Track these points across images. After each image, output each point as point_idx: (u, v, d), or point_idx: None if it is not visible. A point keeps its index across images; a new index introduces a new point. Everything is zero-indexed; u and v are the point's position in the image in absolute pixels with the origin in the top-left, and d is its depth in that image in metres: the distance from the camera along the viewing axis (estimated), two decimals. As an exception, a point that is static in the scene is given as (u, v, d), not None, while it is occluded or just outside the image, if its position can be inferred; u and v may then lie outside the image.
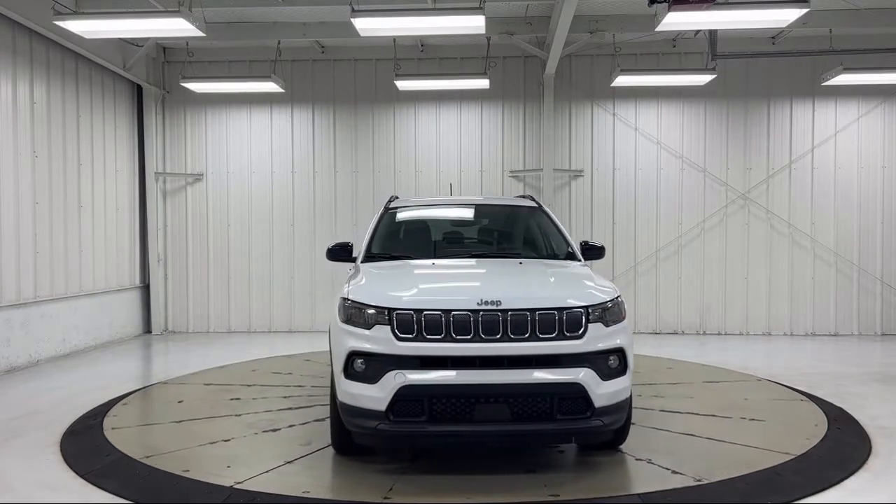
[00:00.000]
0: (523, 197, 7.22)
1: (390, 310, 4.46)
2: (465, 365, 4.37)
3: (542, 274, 5.29)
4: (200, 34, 7.95)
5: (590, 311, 4.53)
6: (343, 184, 11.71)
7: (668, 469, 4.86)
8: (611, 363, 4.55)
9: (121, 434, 5.65)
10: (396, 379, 4.32)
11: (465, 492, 4.46)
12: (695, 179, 11.43)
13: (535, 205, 6.66)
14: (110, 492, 4.51)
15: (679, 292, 11.43)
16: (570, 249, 5.95)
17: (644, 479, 4.69)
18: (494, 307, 4.42)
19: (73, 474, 4.85)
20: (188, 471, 4.74)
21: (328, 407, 6.29)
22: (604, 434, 4.71)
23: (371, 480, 4.65)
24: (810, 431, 5.77)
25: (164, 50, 11.66)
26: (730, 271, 11.40)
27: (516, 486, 4.56)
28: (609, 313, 4.62)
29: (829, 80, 10.30)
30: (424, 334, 4.39)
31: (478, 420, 4.37)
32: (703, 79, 10.47)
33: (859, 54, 10.16)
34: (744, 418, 6.23)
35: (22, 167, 8.83)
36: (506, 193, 11.47)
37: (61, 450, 5.37)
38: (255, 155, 11.78)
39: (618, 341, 4.59)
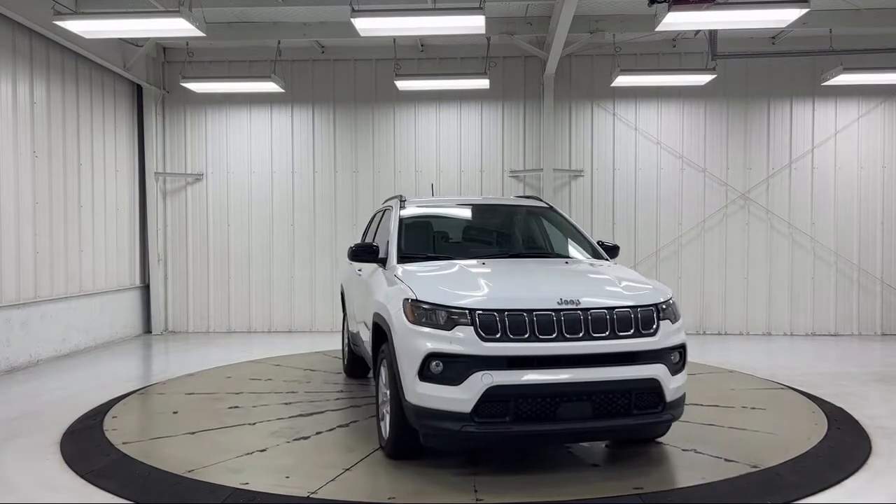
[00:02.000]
0: (528, 197, 7.24)
1: (471, 310, 4.41)
2: (550, 364, 4.38)
3: (600, 273, 5.31)
4: (200, 34, 7.95)
5: (659, 308, 4.69)
6: (343, 184, 11.71)
7: (720, 458, 5.00)
8: (673, 358, 4.67)
9: (134, 448, 5.34)
10: (484, 380, 4.27)
11: (548, 487, 4.46)
12: (695, 179, 11.44)
13: (546, 205, 6.72)
14: (110, 492, 4.51)
15: (679, 292, 11.40)
16: (595, 249, 6.03)
17: (707, 469, 4.79)
18: (574, 306, 4.46)
19: (73, 474, 4.84)
20: (247, 483, 4.50)
21: (341, 412, 6.31)
22: (665, 427, 4.87)
23: (449, 482, 4.56)
24: (813, 418, 6.00)
25: (164, 50, 11.66)
26: (730, 271, 11.40)
27: (595, 480, 4.63)
28: (672, 310, 4.80)
29: (829, 80, 10.30)
30: (509, 334, 4.36)
31: (561, 418, 4.40)
32: (703, 79, 10.47)
33: (859, 54, 10.16)
34: (745, 407, 6.46)
35: (22, 167, 8.83)
36: (506, 193, 11.48)
37: (61, 450, 5.36)
38: (255, 155, 11.78)
39: (682, 337, 4.78)
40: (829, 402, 6.65)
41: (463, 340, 4.36)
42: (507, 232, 6.67)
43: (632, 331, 4.53)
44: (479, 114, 11.61)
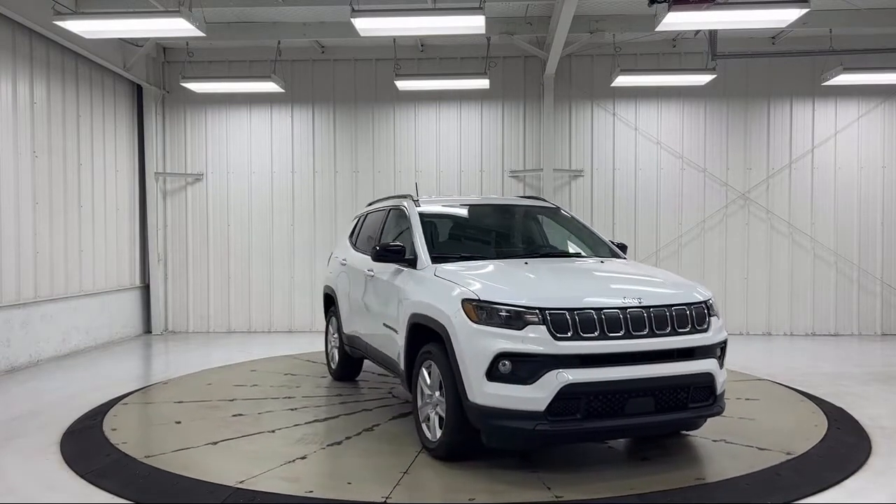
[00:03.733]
0: (531, 197, 7.29)
1: (542, 309, 4.43)
2: (619, 361, 4.47)
3: (646, 272, 5.51)
4: (200, 34, 7.96)
5: (707, 305, 4.88)
6: (343, 184, 11.71)
7: (752, 447, 5.23)
8: (719, 353, 4.87)
9: (163, 461, 5.02)
10: (558, 378, 4.30)
11: (614, 481, 4.55)
12: (695, 179, 11.43)
13: (554, 206, 6.86)
14: (110, 492, 4.50)
15: (679, 292, 11.40)
16: (610, 247, 6.16)
17: (749, 458, 5.00)
18: (638, 304, 4.58)
19: (73, 474, 4.84)
20: (311, 491, 4.40)
21: (356, 416, 6.17)
22: (704, 420, 5.04)
23: (516, 481, 4.57)
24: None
25: (164, 50, 11.66)
26: (730, 271, 11.40)
27: (655, 473, 4.71)
28: (715, 307, 4.98)
29: (829, 80, 10.30)
30: (580, 333, 4.41)
31: (627, 414, 4.49)
32: (703, 79, 10.47)
33: (859, 54, 10.16)
34: (739, 398, 6.64)
35: (22, 167, 8.83)
36: (506, 193, 11.47)
37: (61, 450, 5.36)
38: (255, 155, 11.78)
39: (725, 333, 4.98)
40: (829, 402, 6.65)
41: (536, 340, 4.37)
42: (526, 232, 6.67)
43: (688, 327, 4.68)
44: (479, 114, 11.61)
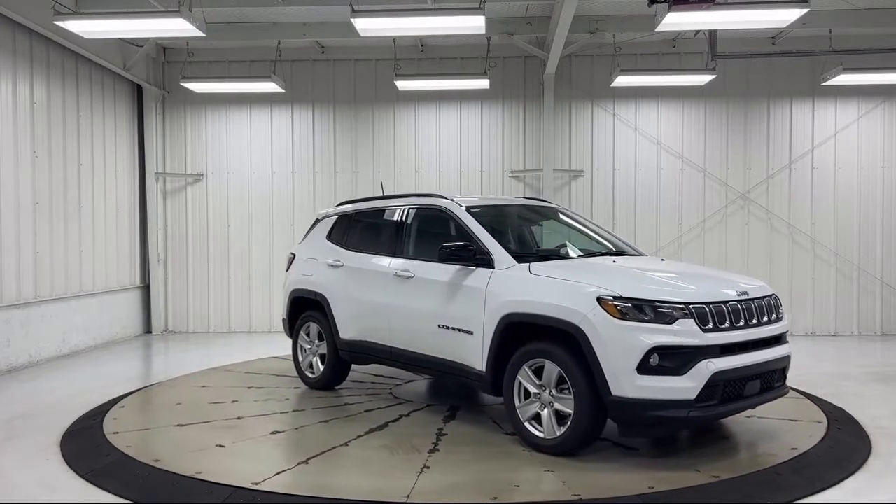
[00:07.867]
0: (532, 198, 7.38)
1: (687, 304, 4.69)
2: (745, 349, 4.87)
3: (711, 269, 6.15)
4: (200, 34, 7.96)
5: (777, 296, 5.39)
6: (343, 184, 11.71)
7: (785, 419, 5.86)
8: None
9: (283, 484, 4.56)
10: (709, 367, 4.58)
11: (730, 459, 4.96)
12: (695, 179, 11.43)
13: (555, 206, 7.09)
14: (110, 492, 4.51)
15: (679, 292, 11.41)
16: (631, 247, 6.48)
17: (800, 429, 5.67)
18: (747, 297, 5.02)
19: (73, 474, 4.85)
20: (497, 497, 4.28)
21: (406, 421, 5.96)
22: None
23: (667, 466, 4.78)
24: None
25: (164, 50, 11.66)
26: (730, 271, 11.38)
27: (753, 447, 5.27)
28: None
29: (829, 80, 10.30)
30: (718, 324, 4.74)
31: (745, 395, 4.90)
32: (703, 79, 10.47)
33: (859, 54, 10.15)
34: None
35: (22, 167, 8.83)
36: (506, 193, 11.47)
37: (61, 450, 5.36)
38: (255, 155, 11.78)
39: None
40: (829, 402, 6.65)
41: (688, 332, 4.62)
42: (571, 232, 6.70)
43: (775, 316, 5.19)
44: (479, 114, 11.61)
